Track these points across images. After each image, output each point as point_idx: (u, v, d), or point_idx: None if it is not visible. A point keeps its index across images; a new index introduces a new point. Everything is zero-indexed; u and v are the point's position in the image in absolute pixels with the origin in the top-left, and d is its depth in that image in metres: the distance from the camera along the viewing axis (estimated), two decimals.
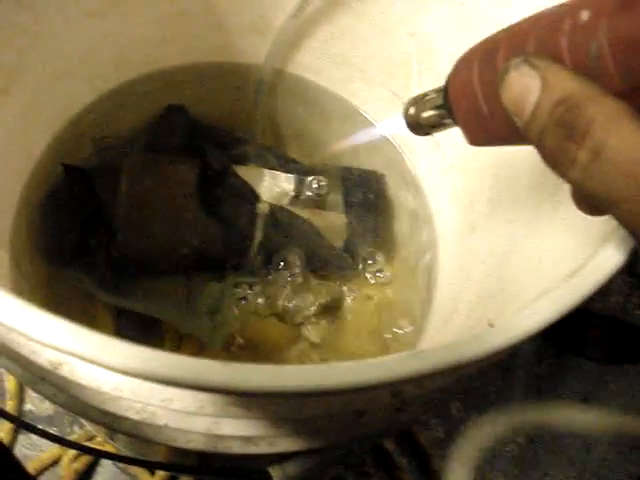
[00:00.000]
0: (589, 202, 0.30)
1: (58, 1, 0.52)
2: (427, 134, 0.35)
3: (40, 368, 0.29)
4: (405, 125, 0.36)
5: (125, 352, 0.23)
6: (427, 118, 0.34)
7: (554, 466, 0.72)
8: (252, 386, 0.24)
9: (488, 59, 0.29)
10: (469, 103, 0.31)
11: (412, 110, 0.35)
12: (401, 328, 0.58)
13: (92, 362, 0.23)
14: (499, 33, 0.29)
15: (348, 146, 0.42)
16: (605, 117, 0.24)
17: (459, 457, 0.42)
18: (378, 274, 0.61)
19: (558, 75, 0.25)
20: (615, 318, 0.78)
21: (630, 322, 0.77)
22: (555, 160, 0.26)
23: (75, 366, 0.28)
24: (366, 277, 0.61)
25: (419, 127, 0.35)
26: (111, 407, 0.31)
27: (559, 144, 0.25)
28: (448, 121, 0.33)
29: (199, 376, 0.23)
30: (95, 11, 0.55)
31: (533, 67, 0.26)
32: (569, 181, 0.25)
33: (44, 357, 0.28)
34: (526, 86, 0.26)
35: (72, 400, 0.33)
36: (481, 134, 0.32)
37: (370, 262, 0.61)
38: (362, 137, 0.41)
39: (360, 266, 0.61)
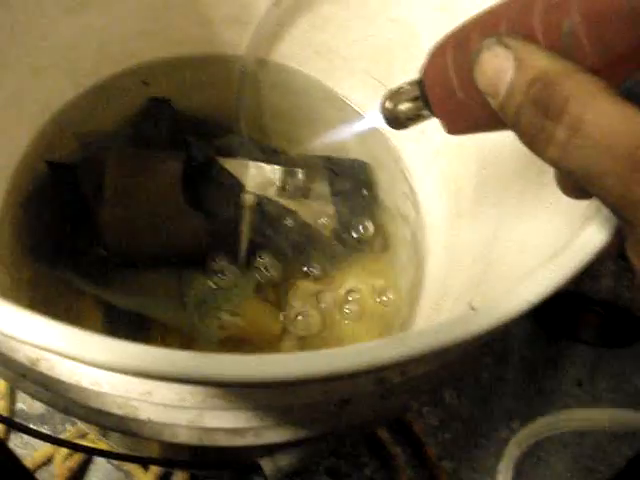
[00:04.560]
0: (572, 184, 0.30)
1: None
2: (405, 127, 0.35)
3: (19, 365, 0.29)
4: (383, 119, 0.35)
5: (97, 345, 0.23)
6: (404, 111, 0.34)
7: (549, 451, 0.72)
8: (227, 376, 0.23)
9: (461, 45, 0.29)
10: (445, 91, 0.30)
11: (388, 104, 0.34)
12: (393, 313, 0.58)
13: (66, 356, 0.23)
14: (471, 19, 0.29)
15: (335, 139, 0.41)
16: (581, 93, 0.23)
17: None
18: (368, 262, 0.61)
19: (532, 54, 0.25)
20: (607, 302, 0.78)
21: (622, 305, 0.77)
22: (532, 139, 0.25)
23: (53, 362, 0.28)
24: (356, 265, 0.61)
25: (397, 121, 0.35)
26: (93, 403, 0.31)
27: (535, 123, 0.25)
28: (425, 112, 0.33)
29: (169, 367, 0.23)
30: (75, 5, 0.55)
31: (506, 47, 0.25)
32: (547, 160, 0.25)
33: (22, 354, 0.28)
34: (500, 66, 0.25)
35: (55, 397, 0.32)
36: (459, 122, 0.31)
37: (359, 250, 0.61)
38: (349, 129, 0.41)
39: (350, 254, 0.60)
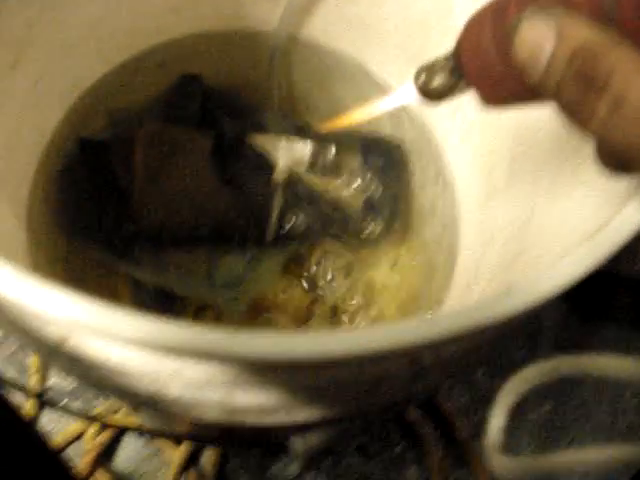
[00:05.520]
0: (613, 159, 0.29)
1: None
2: (440, 101, 0.35)
3: (48, 343, 0.29)
4: (417, 93, 0.35)
5: (131, 322, 0.23)
6: (439, 84, 0.33)
7: (581, 431, 0.71)
8: (260, 355, 0.23)
9: (499, 15, 0.28)
10: (482, 63, 0.30)
11: (423, 77, 0.34)
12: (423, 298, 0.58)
13: (96, 332, 0.23)
14: None
15: (366, 115, 0.41)
16: (624, 65, 0.23)
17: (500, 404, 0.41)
18: (398, 241, 0.60)
19: (574, 23, 0.24)
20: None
21: None
22: (574, 112, 0.25)
23: (81, 340, 0.28)
24: (386, 243, 0.60)
25: (432, 94, 0.34)
26: (123, 381, 0.31)
27: (578, 96, 0.24)
28: (461, 85, 0.33)
29: (206, 344, 0.23)
30: None
31: (547, 16, 0.24)
32: (588, 132, 0.24)
33: (50, 332, 0.28)
34: (540, 36, 0.25)
35: (86, 374, 0.32)
36: (496, 95, 0.31)
37: (390, 228, 0.60)
38: (381, 105, 0.40)
39: (379, 233, 0.60)
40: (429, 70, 0.34)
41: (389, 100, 0.38)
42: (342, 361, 0.24)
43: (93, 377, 0.32)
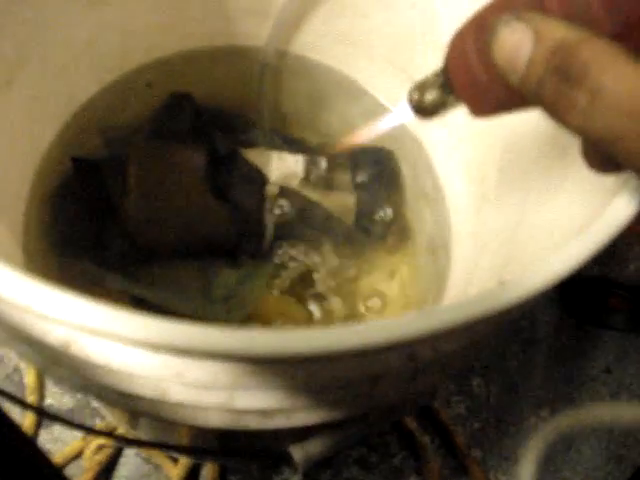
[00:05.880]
0: (598, 156, 0.30)
1: None
2: (433, 116, 0.36)
3: (52, 349, 0.29)
4: (411, 111, 0.36)
5: (137, 322, 0.23)
6: (431, 100, 0.34)
7: (579, 437, 0.72)
8: (264, 350, 0.23)
9: (481, 27, 0.29)
10: (468, 75, 0.31)
11: (415, 95, 0.35)
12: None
13: (104, 335, 0.23)
14: (490, 2, 0.30)
15: (370, 136, 0.42)
16: (600, 58, 0.24)
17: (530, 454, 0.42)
18: (391, 251, 0.61)
19: (549, 25, 0.25)
20: (636, 287, 0.77)
21: None
22: (555, 108, 0.25)
23: (85, 344, 0.28)
24: (378, 254, 0.61)
25: (425, 111, 0.35)
26: (126, 386, 0.31)
27: (557, 91, 0.25)
28: (451, 99, 0.34)
29: (209, 342, 0.23)
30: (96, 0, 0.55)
31: (523, 21, 0.25)
32: (571, 127, 0.25)
33: (54, 337, 0.28)
34: (518, 40, 0.26)
35: (87, 382, 0.33)
36: (483, 105, 0.32)
37: (382, 239, 0.61)
38: (381, 126, 0.41)
39: (372, 243, 0.60)
40: (421, 88, 0.35)
41: (387, 120, 0.39)
42: (341, 354, 0.24)
43: (95, 384, 0.32)
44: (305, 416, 0.34)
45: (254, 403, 0.31)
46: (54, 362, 0.32)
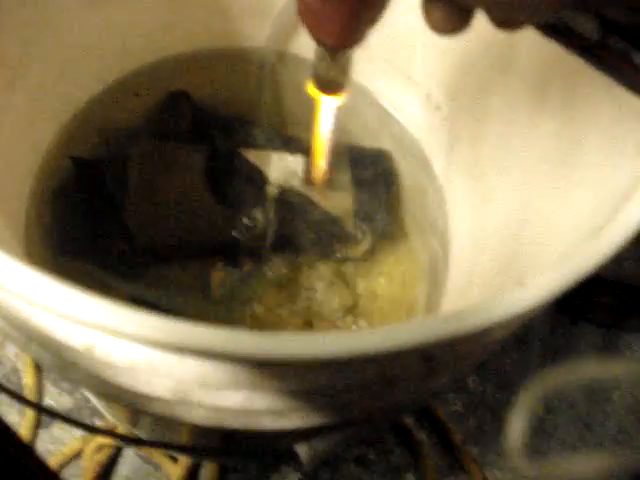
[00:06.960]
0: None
1: None
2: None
3: (73, 352, 0.29)
4: None
5: (136, 319, 0.23)
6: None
7: (572, 434, 0.73)
8: (286, 354, 0.24)
9: None
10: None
11: None
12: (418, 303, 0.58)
13: (134, 339, 0.24)
14: None
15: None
16: None
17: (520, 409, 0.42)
18: (389, 250, 0.61)
19: None
20: (625, 284, 0.78)
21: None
22: None
23: (108, 347, 0.28)
24: (378, 254, 0.61)
25: None
26: (145, 388, 0.31)
27: None
28: None
29: (236, 346, 0.23)
30: (96, 0, 0.55)
31: None
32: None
33: (78, 340, 0.28)
34: None
35: (104, 383, 0.33)
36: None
37: (380, 239, 0.61)
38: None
39: (371, 243, 0.61)
40: None
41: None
42: (371, 358, 0.24)
43: (112, 385, 0.32)
44: (320, 416, 0.34)
45: (273, 404, 0.32)
46: (73, 364, 0.32)
